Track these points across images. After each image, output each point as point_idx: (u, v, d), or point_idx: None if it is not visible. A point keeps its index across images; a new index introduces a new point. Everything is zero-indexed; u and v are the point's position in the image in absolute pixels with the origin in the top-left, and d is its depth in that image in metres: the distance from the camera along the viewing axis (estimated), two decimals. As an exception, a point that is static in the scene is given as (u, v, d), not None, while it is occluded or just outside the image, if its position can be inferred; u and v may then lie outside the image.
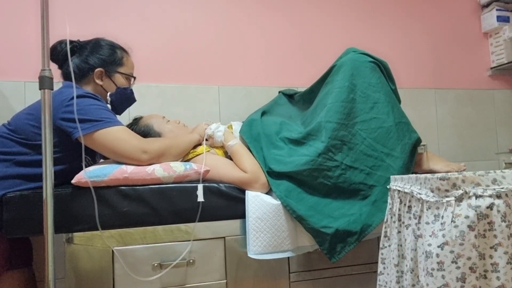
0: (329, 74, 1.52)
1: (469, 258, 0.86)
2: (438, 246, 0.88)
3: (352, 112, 1.41)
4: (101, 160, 1.50)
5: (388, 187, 1.20)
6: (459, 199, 0.88)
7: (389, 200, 1.18)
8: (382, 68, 1.51)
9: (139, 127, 1.57)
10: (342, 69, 1.45)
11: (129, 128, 1.50)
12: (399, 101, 1.56)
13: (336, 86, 1.44)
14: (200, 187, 1.30)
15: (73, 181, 1.22)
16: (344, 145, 1.38)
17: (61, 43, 1.40)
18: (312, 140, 1.40)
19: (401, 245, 1.09)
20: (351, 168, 1.37)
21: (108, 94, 1.44)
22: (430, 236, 0.92)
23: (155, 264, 1.26)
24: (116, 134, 1.27)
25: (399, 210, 1.10)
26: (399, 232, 1.10)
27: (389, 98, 1.46)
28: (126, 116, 1.73)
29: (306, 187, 1.38)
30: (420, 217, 0.98)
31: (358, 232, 1.33)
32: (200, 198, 1.29)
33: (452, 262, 0.86)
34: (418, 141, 1.46)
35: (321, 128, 1.38)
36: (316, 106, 1.51)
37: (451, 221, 0.87)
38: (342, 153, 1.37)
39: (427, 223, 0.94)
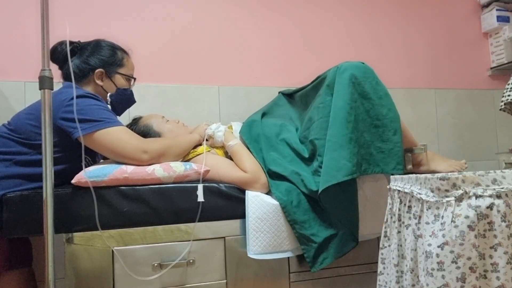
0: (321, 83, 1.49)
1: (469, 258, 0.86)
2: (438, 246, 0.88)
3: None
4: (101, 160, 1.50)
5: (388, 187, 1.20)
6: (459, 199, 0.88)
7: (389, 200, 1.18)
8: (356, 85, 1.36)
9: (138, 127, 1.57)
10: (326, 83, 1.43)
11: (129, 128, 1.49)
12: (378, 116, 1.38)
13: (321, 101, 1.42)
14: (200, 187, 1.30)
15: (73, 181, 1.22)
16: None
17: (61, 44, 1.40)
18: (312, 160, 1.40)
19: (401, 245, 1.09)
20: None
21: (108, 94, 1.45)
22: (430, 236, 0.92)
23: (155, 264, 1.26)
24: (116, 134, 1.27)
25: (399, 210, 1.10)
26: (399, 232, 1.10)
27: (335, 115, 1.34)
28: (126, 116, 1.73)
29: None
30: (420, 217, 0.98)
31: (341, 245, 1.34)
32: (200, 198, 1.29)
33: (452, 262, 0.86)
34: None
35: (315, 146, 1.38)
36: (310, 117, 1.48)
37: (451, 221, 0.87)
38: None
39: (427, 223, 0.94)
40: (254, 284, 1.34)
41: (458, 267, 0.86)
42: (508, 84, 1.77)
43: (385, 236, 1.17)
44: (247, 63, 2.16)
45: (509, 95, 1.73)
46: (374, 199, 1.43)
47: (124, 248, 1.25)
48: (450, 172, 1.47)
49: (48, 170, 1.08)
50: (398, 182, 1.14)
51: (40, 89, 1.09)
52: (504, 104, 1.76)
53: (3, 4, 1.83)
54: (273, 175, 1.41)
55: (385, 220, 1.19)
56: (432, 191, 0.95)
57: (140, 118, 1.62)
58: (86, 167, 1.24)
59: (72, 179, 1.23)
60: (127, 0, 1.99)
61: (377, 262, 1.20)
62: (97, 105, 1.29)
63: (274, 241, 1.31)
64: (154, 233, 1.28)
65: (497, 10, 2.47)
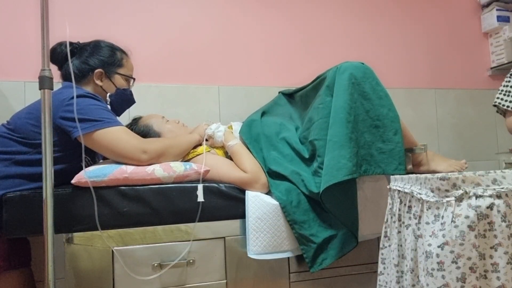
0: (321, 83, 1.49)
1: (469, 258, 0.86)
2: (438, 246, 0.88)
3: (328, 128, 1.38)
4: (101, 161, 1.50)
5: (388, 187, 1.20)
6: (459, 199, 0.88)
7: (389, 200, 1.18)
8: (356, 85, 1.37)
9: (138, 127, 1.56)
10: (326, 84, 1.43)
11: (129, 128, 1.50)
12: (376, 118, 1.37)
13: (321, 101, 1.42)
14: (200, 187, 1.30)
15: (73, 181, 1.22)
16: None
17: (61, 44, 1.40)
18: (312, 161, 1.40)
19: (401, 245, 1.09)
20: None
21: (108, 95, 1.45)
22: (430, 236, 0.92)
23: (155, 264, 1.26)
24: (115, 134, 1.27)
25: (399, 210, 1.10)
26: (399, 232, 1.10)
27: (341, 115, 1.33)
28: (126, 116, 1.73)
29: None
30: (420, 217, 0.98)
31: (340, 246, 1.34)
32: (200, 198, 1.29)
33: (452, 262, 0.86)
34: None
35: (314, 147, 1.38)
36: (310, 117, 1.48)
37: (451, 221, 0.87)
38: None
39: (427, 223, 0.94)
40: (254, 284, 1.34)
41: (458, 267, 0.86)
42: (501, 86, 1.78)
43: (385, 236, 1.17)
44: (247, 63, 2.16)
45: (498, 98, 1.74)
46: (374, 199, 1.43)
47: (124, 248, 1.25)
48: (450, 172, 1.47)
49: (48, 170, 1.08)
50: (398, 182, 1.14)
51: (40, 89, 1.09)
52: (494, 105, 1.78)
53: (3, 4, 1.83)
54: (273, 175, 1.41)
55: (385, 220, 1.19)
56: (432, 191, 0.95)
57: (140, 118, 1.62)
58: (86, 166, 1.24)
59: (71, 179, 1.23)
60: (127, 1, 1.99)
61: (377, 262, 1.20)
62: (96, 105, 1.29)
63: (274, 241, 1.31)
64: (154, 233, 1.28)
65: (497, 10, 2.47)
